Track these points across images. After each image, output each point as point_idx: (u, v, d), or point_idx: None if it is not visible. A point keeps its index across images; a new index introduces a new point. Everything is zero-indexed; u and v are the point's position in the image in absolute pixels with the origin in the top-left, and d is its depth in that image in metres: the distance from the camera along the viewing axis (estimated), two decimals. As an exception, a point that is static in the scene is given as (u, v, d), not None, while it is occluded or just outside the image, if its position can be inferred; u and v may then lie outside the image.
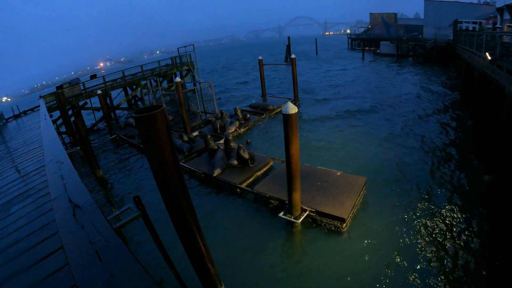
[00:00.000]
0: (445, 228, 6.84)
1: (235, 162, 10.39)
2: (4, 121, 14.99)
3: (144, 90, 22.94)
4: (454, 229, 6.76)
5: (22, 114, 16.99)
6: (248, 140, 11.34)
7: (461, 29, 25.45)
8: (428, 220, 7.16)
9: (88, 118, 23.27)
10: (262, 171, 10.42)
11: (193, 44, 22.76)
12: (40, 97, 18.16)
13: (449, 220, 7.06)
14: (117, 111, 23.46)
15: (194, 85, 24.05)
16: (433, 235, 6.66)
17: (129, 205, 4.10)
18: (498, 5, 23.31)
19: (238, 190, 9.33)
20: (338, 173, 9.04)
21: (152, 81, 25.67)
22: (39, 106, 16.55)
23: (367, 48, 47.20)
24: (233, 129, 14.55)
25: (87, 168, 12.90)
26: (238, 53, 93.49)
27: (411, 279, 5.62)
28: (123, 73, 22.98)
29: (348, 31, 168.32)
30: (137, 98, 24.87)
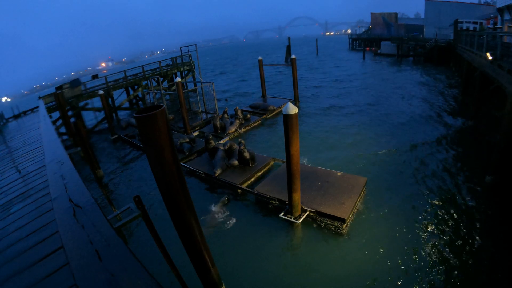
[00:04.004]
0: (445, 228, 6.82)
1: (236, 162, 10.39)
2: (4, 121, 15.00)
3: (145, 90, 22.97)
4: (455, 230, 6.74)
5: (22, 115, 16.98)
6: (242, 141, 11.09)
7: (462, 29, 25.44)
8: (428, 220, 7.14)
9: (90, 119, 23.27)
10: (262, 172, 10.41)
11: (195, 44, 22.75)
12: (40, 97, 18.16)
13: (449, 221, 7.05)
14: (118, 112, 23.45)
15: (195, 85, 24.07)
16: (434, 235, 6.64)
17: (130, 205, 4.10)
18: (499, 5, 23.29)
19: (238, 190, 9.32)
20: (339, 173, 9.03)
21: (153, 81, 25.71)
22: (38, 106, 16.54)
23: (368, 48, 47.19)
24: (233, 129, 14.56)
25: (87, 168, 12.91)
26: (225, 58, 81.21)
27: (411, 280, 5.61)
28: (125, 73, 23.02)
29: (349, 31, 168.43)
30: (138, 98, 24.91)
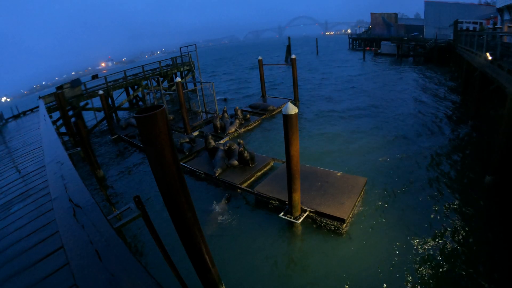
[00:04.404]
0: (445, 228, 6.82)
1: (236, 162, 10.39)
2: (4, 121, 14.98)
3: (145, 90, 22.97)
4: (455, 230, 6.74)
5: (22, 115, 16.96)
6: (241, 141, 10.98)
7: (462, 29, 25.45)
8: (428, 220, 7.14)
9: (90, 119, 23.26)
10: (262, 172, 10.41)
11: (195, 44, 22.76)
12: (40, 97, 18.14)
13: (449, 221, 7.05)
14: (118, 112, 23.45)
15: (195, 85, 24.07)
16: (433, 236, 6.65)
17: (130, 205, 4.10)
18: (499, 5, 23.31)
19: (238, 190, 9.33)
20: (338, 174, 9.03)
21: (153, 81, 25.72)
22: (38, 106, 16.54)
23: (368, 48, 47.22)
24: (233, 129, 14.56)
25: (87, 169, 12.91)
26: (223, 59, 77.06)
27: (411, 280, 5.61)
28: (125, 73, 23.01)
29: (349, 31, 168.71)
30: (138, 98, 24.90)
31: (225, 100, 23.61)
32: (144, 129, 3.70)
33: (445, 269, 5.76)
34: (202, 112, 18.12)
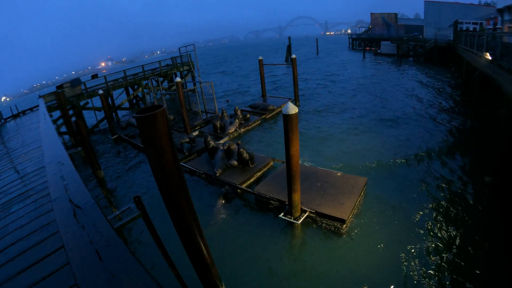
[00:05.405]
0: (445, 229, 6.83)
1: (235, 163, 10.39)
2: (2, 121, 14.96)
3: (146, 90, 22.96)
4: (455, 231, 6.75)
5: (21, 114, 16.92)
6: (239, 142, 11.06)
7: (462, 30, 25.47)
8: (428, 221, 7.15)
9: (90, 118, 23.26)
10: (262, 172, 10.41)
11: (193, 44, 22.79)
12: (40, 96, 18.11)
13: (449, 221, 7.06)
14: (118, 111, 23.45)
15: (194, 84, 24.09)
16: (434, 236, 6.65)
17: (130, 205, 4.11)
18: (499, 6, 23.33)
19: (238, 190, 9.32)
20: (338, 174, 9.03)
21: (153, 81, 25.73)
22: (38, 106, 16.51)
23: (367, 48, 47.26)
24: (233, 129, 14.55)
25: (88, 169, 12.91)
26: (220, 62, 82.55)
27: (411, 280, 5.61)
28: (125, 73, 23.01)
29: (349, 31, 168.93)
30: (138, 98, 24.90)
31: (227, 101, 23.62)
32: (144, 129, 3.70)
33: (444, 269, 5.76)
34: (202, 112, 18.11)
